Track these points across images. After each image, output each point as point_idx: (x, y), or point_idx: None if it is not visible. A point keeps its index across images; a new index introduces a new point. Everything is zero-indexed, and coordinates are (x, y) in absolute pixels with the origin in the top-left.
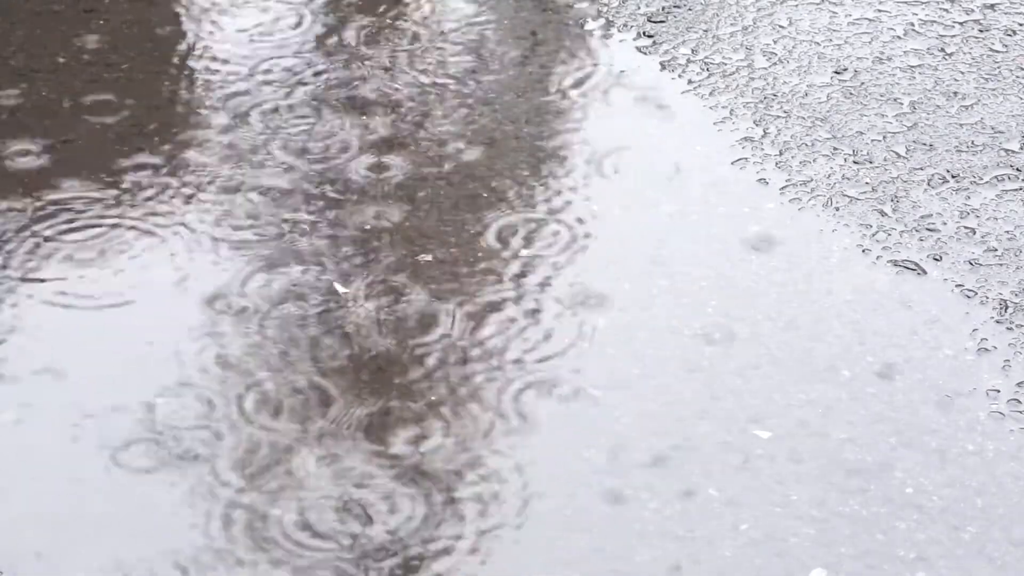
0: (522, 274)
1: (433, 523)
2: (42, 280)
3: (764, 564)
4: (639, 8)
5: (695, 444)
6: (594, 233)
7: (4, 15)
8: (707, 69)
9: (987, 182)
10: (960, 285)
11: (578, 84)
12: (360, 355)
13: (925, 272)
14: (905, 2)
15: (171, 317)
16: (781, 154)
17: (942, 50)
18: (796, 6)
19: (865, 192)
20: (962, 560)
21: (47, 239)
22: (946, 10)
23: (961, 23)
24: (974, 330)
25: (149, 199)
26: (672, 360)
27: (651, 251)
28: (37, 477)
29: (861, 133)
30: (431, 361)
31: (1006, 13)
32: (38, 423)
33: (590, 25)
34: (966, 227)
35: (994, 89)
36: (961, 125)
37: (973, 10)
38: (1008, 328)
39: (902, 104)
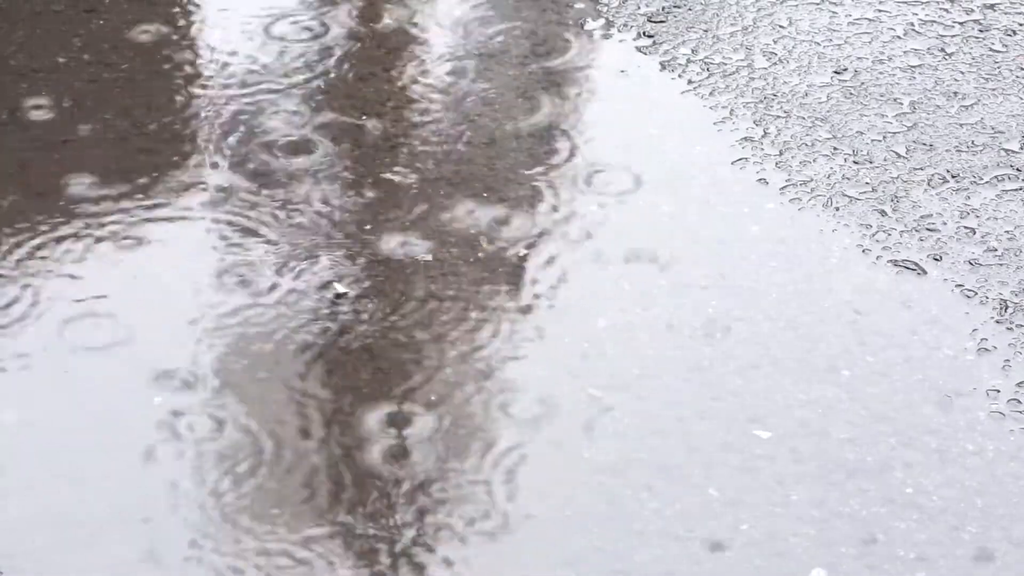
0: (521, 274)
1: (432, 524)
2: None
3: (764, 564)
4: (639, 8)
5: (695, 444)
6: (594, 233)
7: (4, 15)
8: (707, 69)
9: (987, 182)
10: (960, 285)
11: (578, 84)
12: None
13: (925, 272)
14: (905, 2)
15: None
16: (781, 154)
17: (942, 50)
18: (796, 6)
19: (865, 192)
20: (962, 560)
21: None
22: (946, 10)
23: (961, 23)
24: (974, 330)
25: (147, 202)
26: (672, 360)
27: (651, 251)
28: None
29: (861, 133)
30: (431, 361)
31: (1006, 13)
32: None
33: (590, 25)
34: (966, 227)
35: (994, 89)
36: (961, 125)
37: (973, 10)
38: (1008, 328)
39: (902, 104)
